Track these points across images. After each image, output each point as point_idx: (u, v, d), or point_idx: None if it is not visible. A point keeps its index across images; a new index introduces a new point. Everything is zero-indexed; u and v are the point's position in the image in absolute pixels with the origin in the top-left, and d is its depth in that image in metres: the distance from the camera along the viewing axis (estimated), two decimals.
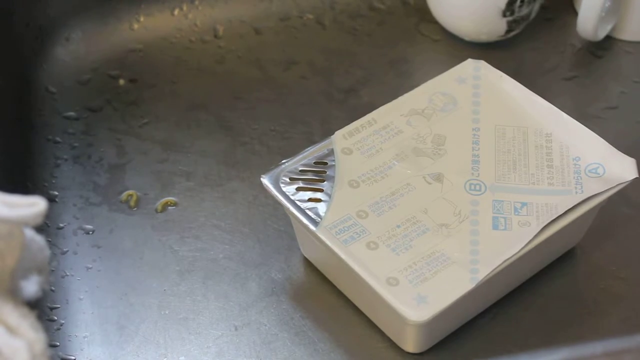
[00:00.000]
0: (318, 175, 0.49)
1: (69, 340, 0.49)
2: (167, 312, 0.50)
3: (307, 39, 0.65)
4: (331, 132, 0.51)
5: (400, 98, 0.52)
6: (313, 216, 0.47)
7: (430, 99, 0.52)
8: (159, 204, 0.55)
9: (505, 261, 0.45)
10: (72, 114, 0.61)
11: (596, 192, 0.47)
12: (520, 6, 0.60)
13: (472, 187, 0.48)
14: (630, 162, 0.48)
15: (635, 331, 0.48)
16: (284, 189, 0.48)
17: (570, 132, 0.50)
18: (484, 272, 0.44)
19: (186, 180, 0.57)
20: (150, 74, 0.63)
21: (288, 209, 0.47)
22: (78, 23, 0.64)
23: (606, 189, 0.47)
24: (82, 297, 0.51)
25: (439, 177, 0.49)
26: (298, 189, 0.48)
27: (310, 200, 0.48)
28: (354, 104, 0.60)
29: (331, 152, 0.50)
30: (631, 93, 0.61)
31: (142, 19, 0.65)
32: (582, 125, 0.51)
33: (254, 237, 0.53)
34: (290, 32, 0.65)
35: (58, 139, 0.59)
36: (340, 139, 0.50)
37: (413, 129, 0.51)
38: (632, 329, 0.48)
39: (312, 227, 0.46)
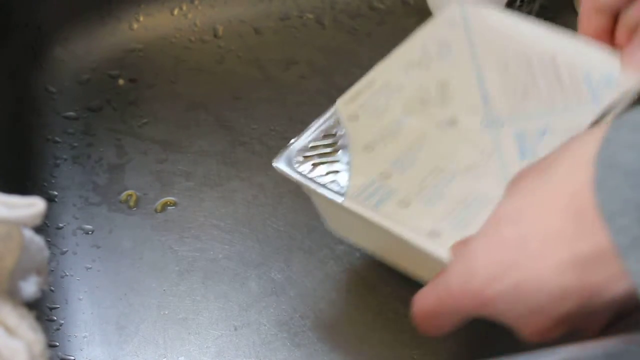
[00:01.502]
0: (330, 147, 0.47)
1: (69, 341, 0.49)
2: (166, 312, 0.50)
3: (307, 39, 0.65)
4: None
5: (393, 53, 0.51)
6: (337, 189, 0.45)
7: (423, 49, 0.51)
8: (158, 204, 0.55)
9: None
10: (72, 114, 0.61)
11: (613, 101, 0.46)
12: (520, 6, 0.60)
13: (489, 123, 0.47)
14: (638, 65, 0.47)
15: (635, 331, 0.48)
16: (299, 169, 0.46)
17: (574, 49, 0.49)
18: None
19: (186, 180, 0.56)
20: (150, 74, 0.63)
21: (309, 187, 0.46)
22: (78, 23, 0.64)
23: (622, 95, 0.46)
24: (81, 297, 0.51)
25: (452, 122, 0.47)
26: (314, 165, 0.46)
27: (329, 173, 0.46)
28: None
29: (337, 122, 0.48)
30: None
31: (141, 19, 0.65)
32: (583, 39, 0.49)
33: (254, 237, 0.53)
34: (290, 32, 0.65)
35: (58, 139, 0.59)
36: (343, 106, 0.49)
37: (414, 82, 0.49)
38: (632, 329, 0.48)
39: (339, 199, 0.44)
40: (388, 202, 0.44)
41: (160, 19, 0.65)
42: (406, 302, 0.42)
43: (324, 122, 0.48)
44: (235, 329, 0.49)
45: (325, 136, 0.47)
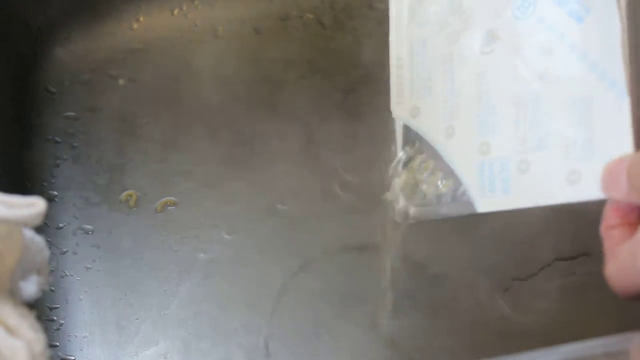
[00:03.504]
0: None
1: (69, 341, 0.49)
2: (166, 312, 0.50)
3: (307, 39, 0.65)
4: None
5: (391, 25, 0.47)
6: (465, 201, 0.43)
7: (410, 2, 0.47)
8: (158, 204, 0.55)
9: None
10: (72, 114, 0.61)
11: None
12: None
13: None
14: None
15: (635, 331, 0.48)
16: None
17: None
18: None
19: (186, 180, 0.56)
20: (150, 74, 0.63)
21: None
22: (78, 23, 0.64)
23: None
24: (81, 297, 0.51)
25: (493, 36, 0.43)
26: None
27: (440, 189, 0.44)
28: (354, 104, 0.60)
29: (407, 129, 0.46)
30: None
31: (142, 19, 0.65)
32: None
33: (254, 237, 0.53)
34: (290, 32, 0.65)
35: (58, 139, 0.59)
36: (398, 108, 0.46)
37: (432, 22, 0.45)
38: (632, 329, 0.48)
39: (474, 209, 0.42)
40: (512, 174, 0.41)
41: (160, 19, 0.65)
42: None
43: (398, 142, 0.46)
44: (236, 330, 0.49)
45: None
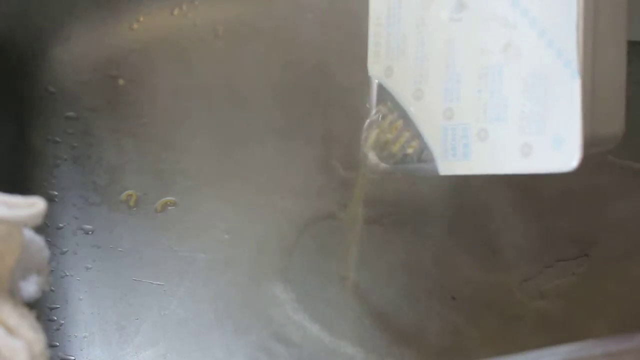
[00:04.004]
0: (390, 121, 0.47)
1: (69, 341, 0.49)
2: (166, 312, 0.50)
3: (307, 39, 0.65)
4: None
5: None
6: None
7: None
8: (158, 204, 0.55)
9: None
10: (72, 114, 0.61)
11: None
12: None
13: None
14: None
15: (635, 331, 0.48)
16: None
17: None
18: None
19: (186, 180, 0.56)
20: (150, 74, 0.63)
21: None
22: (78, 23, 0.64)
23: None
24: (81, 297, 0.51)
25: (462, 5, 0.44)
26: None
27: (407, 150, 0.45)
28: (353, 104, 0.60)
29: (381, 88, 0.47)
30: (631, 93, 0.61)
31: (142, 19, 0.65)
32: None
33: (254, 237, 0.53)
34: (290, 32, 0.65)
35: (58, 139, 0.59)
36: (374, 67, 0.48)
37: None
38: (632, 329, 0.48)
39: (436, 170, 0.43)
40: (472, 140, 0.42)
41: (160, 19, 0.65)
42: None
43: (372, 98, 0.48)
44: (236, 330, 0.49)
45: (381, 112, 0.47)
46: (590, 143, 0.39)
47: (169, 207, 0.55)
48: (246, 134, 0.59)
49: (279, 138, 0.58)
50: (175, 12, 0.66)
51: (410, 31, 0.46)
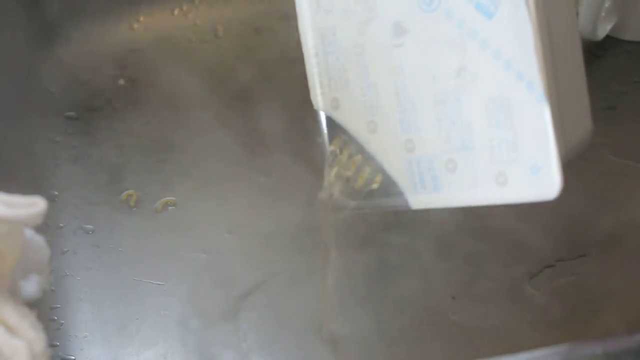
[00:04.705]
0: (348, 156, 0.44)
1: (69, 340, 0.49)
2: (166, 312, 0.50)
3: None
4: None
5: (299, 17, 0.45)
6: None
7: None
8: (158, 204, 0.55)
9: None
10: (72, 114, 0.61)
11: None
12: None
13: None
14: None
15: (635, 331, 0.48)
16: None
17: None
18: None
19: (186, 180, 0.56)
20: (150, 74, 0.63)
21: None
22: (78, 23, 0.64)
23: None
24: (82, 297, 0.51)
25: (401, 30, 0.41)
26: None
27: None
28: None
29: (332, 123, 0.44)
30: (631, 93, 0.61)
31: (142, 18, 0.65)
32: None
33: (254, 237, 0.53)
34: (290, 32, 0.65)
35: (58, 139, 0.59)
36: (319, 99, 0.45)
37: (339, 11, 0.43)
38: (632, 329, 0.48)
39: (407, 204, 0.41)
40: (440, 172, 0.40)
41: (161, 19, 0.65)
42: None
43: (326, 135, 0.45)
44: (236, 330, 0.49)
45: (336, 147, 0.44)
46: (565, 158, 0.37)
47: (169, 207, 0.55)
48: (246, 133, 0.59)
49: (279, 138, 0.58)
50: (176, 12, 0.66)
51: (350, 60, 0.43)
